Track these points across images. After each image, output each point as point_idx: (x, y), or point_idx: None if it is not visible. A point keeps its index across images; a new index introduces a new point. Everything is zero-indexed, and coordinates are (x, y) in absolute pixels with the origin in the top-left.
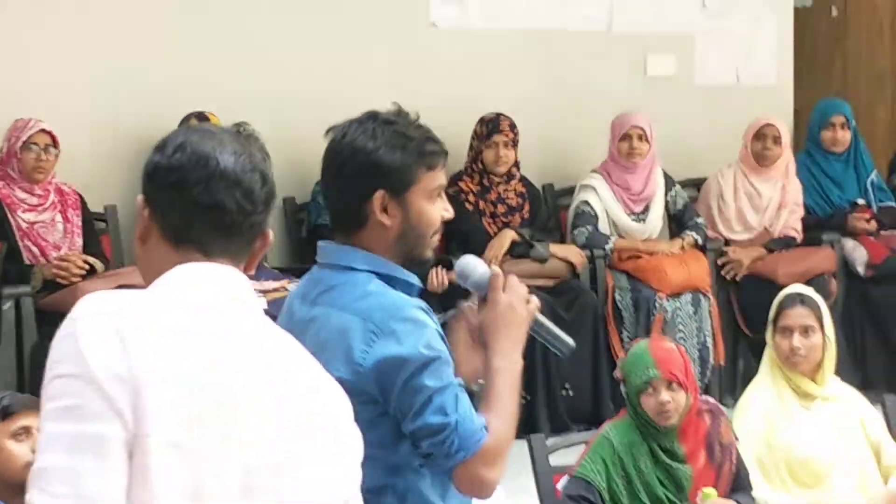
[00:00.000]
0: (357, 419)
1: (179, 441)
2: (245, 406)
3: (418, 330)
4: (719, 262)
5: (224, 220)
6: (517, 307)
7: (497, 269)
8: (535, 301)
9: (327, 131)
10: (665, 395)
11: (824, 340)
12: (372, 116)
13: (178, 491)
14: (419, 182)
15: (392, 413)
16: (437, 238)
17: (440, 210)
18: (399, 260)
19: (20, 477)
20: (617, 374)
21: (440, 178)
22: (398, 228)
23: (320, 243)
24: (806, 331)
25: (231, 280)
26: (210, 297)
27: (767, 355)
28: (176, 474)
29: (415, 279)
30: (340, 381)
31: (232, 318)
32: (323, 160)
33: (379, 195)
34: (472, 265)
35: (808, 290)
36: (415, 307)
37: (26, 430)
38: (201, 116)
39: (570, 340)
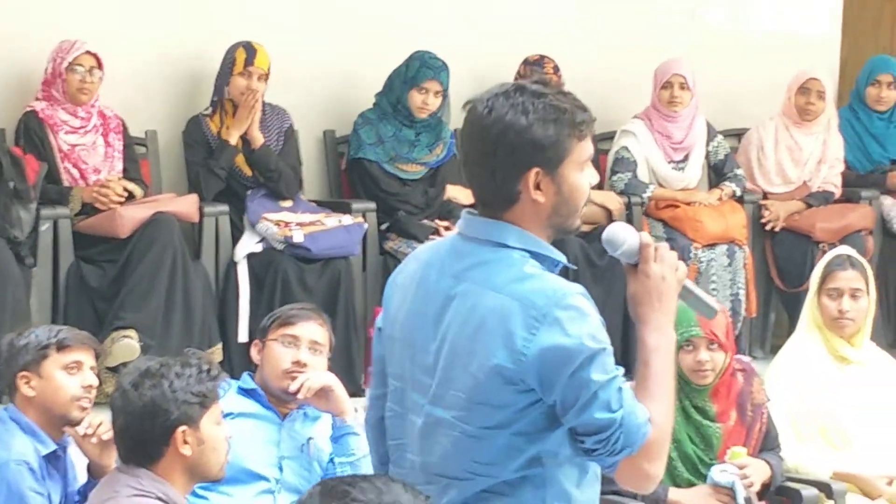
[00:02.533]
0: (508, 406)
1: None
2: None
3: (582, 318)
4: (758, 215)
5: None
6: (669, 278)
7: (647, 237)
8: (683, 268)
9: (466, 104)
10: (704, 354)
11: (869, 304)
12: (519, 88)
13: None
14: (572, 154)
15: (549, 404)
16: (586, 207)
17: (588, 178)
18: (550, 232)
19: (64, 409)
20: None
21: (589, 146)
22: (551, 204)
23: (466, 213)
24: (855, 294)
25: None
26: None
27: (808, 314)
28: None
29: (562, 257)
30: (499, 367)
31: None
32: (465, 136)
33: (533, 172)
34: (621, 234)
35: (853, 252)
36: (577, 293)
37: (78, 365)
38: (249, 46)
39: (715, 305)
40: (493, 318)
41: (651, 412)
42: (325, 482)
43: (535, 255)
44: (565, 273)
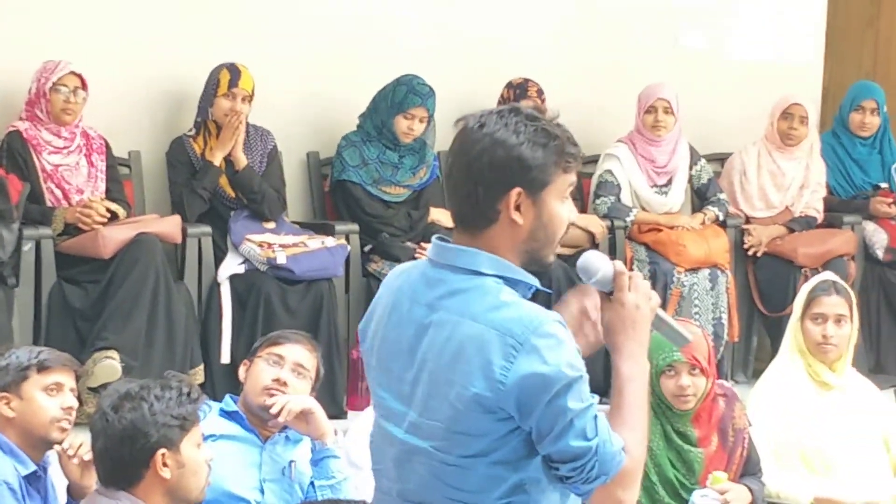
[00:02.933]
0: (487, 435)
1: None
2: None
3: (560, 346)
4: (741, 239)
5: None
6: (643, 307)
7: (621, 265)
8: (656, 297)
9: (458, 121)
10: (686, 380)
11: (851, 330)
12: (514, 110)
13: None
14: (555, 182)
15: (528, 431)
16: (569, 231)
17: (568, 211)
18: (522, 259)
19: (43, 430)
20: None
21: (573, 180)
22: (529, 228)
23: (437, 240)
24: (839, 320)
25: None
26: None
27: (791, 339)
28: None
29: (536, 281)
30: (478, 396)
31: None
32: (453, 149)
33: (515, 192)
34: (596, 262)
35: (838, 278)
36: (554, 321)
37: (58, 386)
38: (233, 68)
39: (687, 334)
40: (471, 348)
41: (625, 440)
42: None
43: (509, 281)
44: (537, 297)
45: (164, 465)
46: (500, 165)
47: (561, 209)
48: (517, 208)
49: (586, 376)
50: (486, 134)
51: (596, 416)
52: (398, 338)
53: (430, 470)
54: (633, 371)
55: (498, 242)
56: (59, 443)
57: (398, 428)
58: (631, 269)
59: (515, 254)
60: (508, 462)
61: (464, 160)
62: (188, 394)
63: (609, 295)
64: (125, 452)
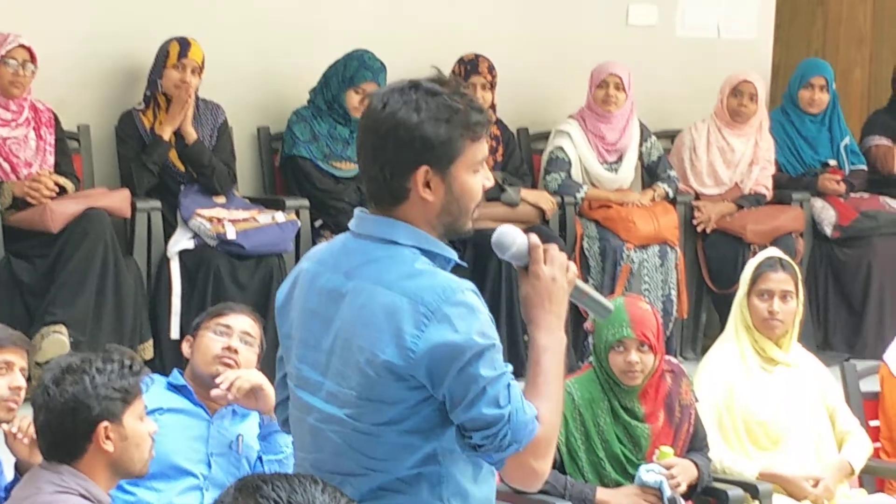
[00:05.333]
0: (399, 403)
1: None
2: None
3: (472, 315)
4: (690, 216)
5: None
6: (559, 279)
7: (536, 238)
8: (573, 269)
9: (363, 99)
10: (634, 356)
11: (798, 307)
12: (414, 86)
13: None
14: (464, 154)
15: (440, 400)
16: (477, 210)
17: (482, 180)
18: (439, 232)
19: None
20: (588, 325)
21: (483, 148)
22: (441, 203)
23: (358, 212)
24: (785, 296)
25: None
26: None
27: (737, 316)
28: None
29: (454, 254)
30: (388, 363)
31: None
32: (361, 130)
33: (422, 170)
34: (510, 236)
35: (781, 254)
36: (466, 289)
37: (8, 366)
38: (183, 40)
39: (609, 304)
40: (383, 315)
41: (539, 410)
42: (243, 479)
43: (427, 253)
44: (456, 271)
45: (107, 437)
46: (404, 145)
47: (473, 180)
48: (426, 185)
49: (499, 345)
50: (389, 114)
51: (509, 385)
52: (316, 307)
53: (343, 438)
54: (550, 342)
55: (412, 218)
56: (7, 422)
57: (315, 397)
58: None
59: (430, 227)
60: (420, 431)
61: (370, 141)
62: (130, 366)
63: (525, 269)
64: (67, 426)
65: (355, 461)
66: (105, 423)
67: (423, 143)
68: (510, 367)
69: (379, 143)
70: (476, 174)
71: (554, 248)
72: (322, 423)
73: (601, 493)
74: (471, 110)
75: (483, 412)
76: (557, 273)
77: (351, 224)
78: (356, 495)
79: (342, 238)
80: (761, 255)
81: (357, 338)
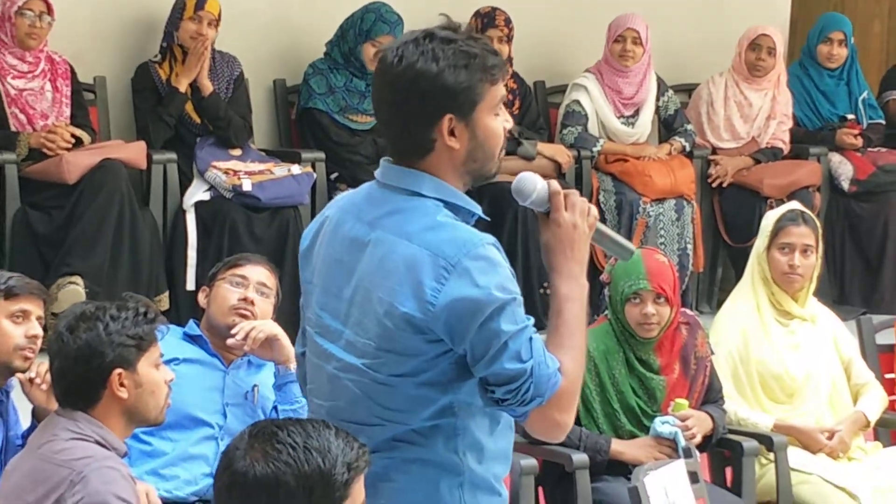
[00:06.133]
0: (417, 355)
1: None
2: None
3: (492, 269)
4: (707, 170)
5: None
6: (580, 226)
7: (556, 184)
8: (594, 212)
9: (376, 53)
10: (651, 308)
11: (817, 261)
12: (428, 35)
13: None
14: (485, 99)
15: (461, 354)
16: (503, 152)
17: (503, 122)
18: (467, 179)
19: (6, 357)
20: (604, 277)
21: (502, 90)
22: (466, 150)
23: (384, 161)
24: (806, 250)
25: None
26: None
27: (754, 268)
28: None
29: (478, 208)
30: (407, 315)
31: None
32: (377, 86)
33: (447, 119)
34: (530, 182)
35: (803, 208)
36: (488, 243)
37: (24, 314)
38: None
39: (631, 246)
40: (403, 267)
41: (562, 362)
42: (257, 423)
43: (450, 206)
44: (480, 225)
45: (121, 385)
46: (426, 96)
47: (495, 123)
48: (451, 133)
49: (520, 299)
50: (406, 67)
51: (531, 338)
52: (339, 256)
53: (360, 387)
54: (572, 290)
55: (438, 169)
56: (23, 371)
57: (335, 346)
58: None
59: (457, 176)
60: (437, 383)
61: (389, 96)
62: (145, 314)
63: (546, 215)
64: (80, 372)
65: (371, 411)
66: (119, 370)
67: (445, 91)
68: (532, 321)
69: (400, 96)
70: (497, 117)
71: (574, 194)
72: (340, 372)
73: (616, 444)
74: (487, 53)
75: (505, 367)
76: (578, 219)
77: (377, 173)
78: (371, 445)
79: (367, 187)
80: (783, 208)
81: (377, 289)
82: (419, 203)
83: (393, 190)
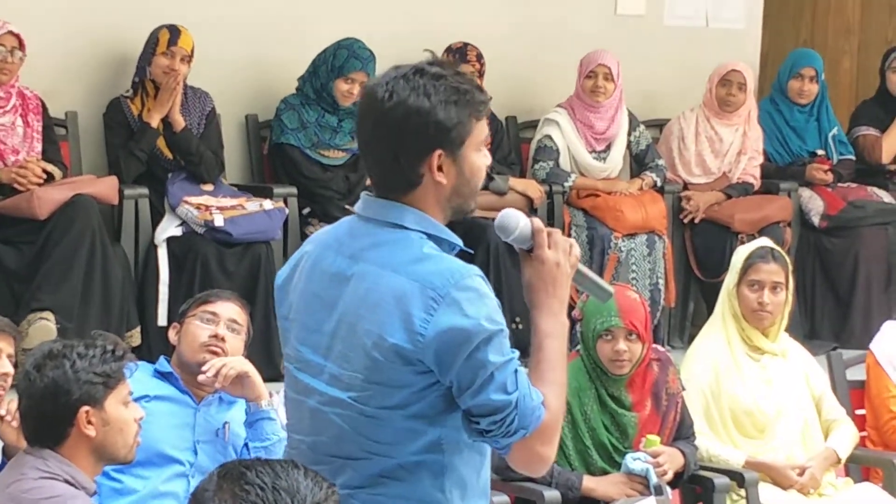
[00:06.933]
0: (406, 387)
1: None
2: None
3: (480, 300)
4: (678, 205)
5: None
6: (563, 264)
7: (539, 222)
8: (577, 251)
9: (364, 87)
10: (623, 345)
11: (787, 297)
12: (418, 71)
13: None
14: (472, 134)
15: (447, 385)
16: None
17: (484, 159)
18: (448, 213)
19: None
20: (576, 313)
21: (486, 127)
22: (452, 185)
23: (365, 195)
24: (775, 287)
25: None
26: None
27: (724, 304)
28: None
29: (459, 241)
30: (396, 347)
31: None
32: (365, 121)
33: (436, 155)
34: (513, 219)
35: (772, 244)
36: (475, 274)
37: None
38: (173, 28)
39: (609, 288)
40: (391, 299)
41: (545, 395)
42: (226, 464)
43: (433, 238)
44: (463, 256)
45: (89, 422)
46: (418, 132)
47: (480, 160)
48: (439, 168)
49: (507, 330)
50: (398, 102)
51: (516, 371)
52: (319, 289)
53: (346, 421)
54: (553, 327)
55: (423, 202)
56: None
57: (317, 380)
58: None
59: (440, 210)
60: (425, 416)
61: (380, 131)
62: (112, 351)
63: (528, 252)
64: (48, 410)
65: (358, 444)
66: (86, 408)
67: (438, 127)
68: (517, 353)
69: (391, 132)
70: (480, 153)
71: (557, 233)
72: (324, 406)
73: (588, 480)
74: (475, 90)
75: (491, 398)
76: (561, 257)
77: (357, 207)
78: (356, 480)
79: (347, 221)
80: (752, 245)
81: (363, 321)
82: (403, 235)
83: (376, 223)
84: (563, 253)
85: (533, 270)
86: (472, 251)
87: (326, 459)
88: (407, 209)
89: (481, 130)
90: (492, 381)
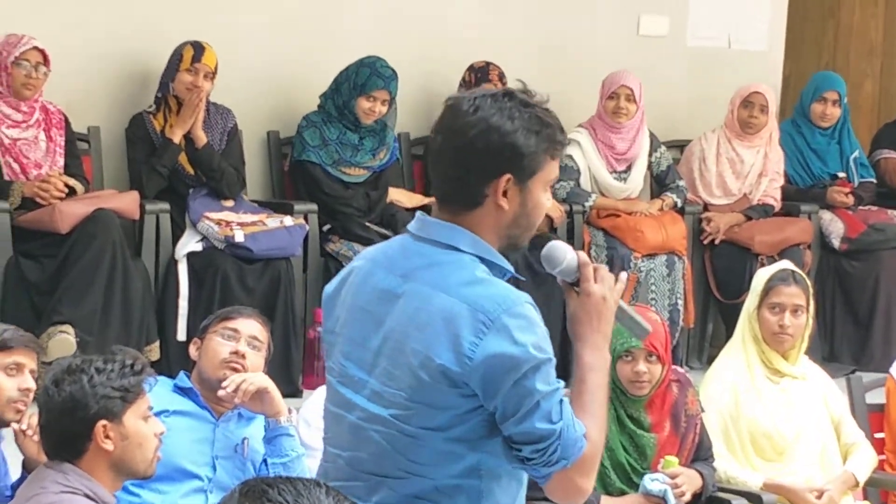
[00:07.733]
0: (449, 409)
1: None
2: None
3: (530, 327)
4: (698, 226)
5: None
6: (608, 299)
7: (585, 256)
8: (620, 286)
9: (447, 100)
10: (642, 366)
11: (807, 320)
12: (507, 94)
13: None
14: (543, 170)
15: (491, 411)
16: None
17: (548, 200)
18: (504, 243)
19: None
20: None
21: (557, 169)
22: (513, 214)
23: (420, 215)
24: (796, 310)
25: None
26: None
27: (745, 326)
28: None
29: (510, 267)
30: (443, 368)
31: None
32: (443, 131)
33: (504, 179)
34: (560, 251)
35: (794, 267)
36: (526, 302)
37: (18, 367)
38: (197, 45)
39: (647, 325)
40: (441, 320)
41: (587, 428)
42: (247, 482)
43: (486, 262)
44: (513, 283)
45: (107, 436)
46: (493, 151)
47: (544, 198)
48: (504, 194)
49: (554, 360)
50: (481, 118)
51: (562, 401)
52: (368, 305)
53: (386, 438)
54: (597, 361)
55: (480, 225)
56: (16, 422)
57: (358, 395)
58: (588, 255)
59: (496, 237)
60: (466, 440)
61: (456, 142)
62: (131, 366)
63: (573, 285)
64: (66, 425)
65: (396, 463)
66: (104, 422)
67: (514, 151)
68: (563, 383)
69: (467, 146)
70: (546, 192)
71: (603, 268)
72: (365, 422)
73: (606, 501)
74: (557, 128)
75: (536, 426)
76: (607, 292)
77: (411, 226)
78: (392, 498)
79: (399, 239)
80: (774, 268)
81: (411, 340)
82: (457, 257)
83: (429, 243)
84: (608, 288)
85: (578, 304)
86: (523, 278)
87: (363, 476)
88: (462, 231)
89: (552, 170)
90: (537, 410)
